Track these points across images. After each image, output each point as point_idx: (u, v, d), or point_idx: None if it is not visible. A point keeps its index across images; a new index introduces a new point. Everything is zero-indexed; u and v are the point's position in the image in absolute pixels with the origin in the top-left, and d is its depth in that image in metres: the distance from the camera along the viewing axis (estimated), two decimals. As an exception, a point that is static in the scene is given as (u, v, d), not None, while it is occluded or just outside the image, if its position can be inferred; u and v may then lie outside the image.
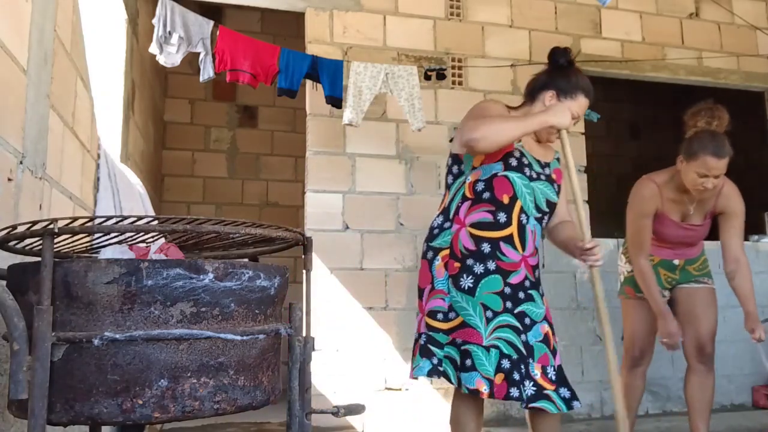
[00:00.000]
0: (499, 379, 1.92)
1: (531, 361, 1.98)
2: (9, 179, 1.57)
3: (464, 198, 2.11)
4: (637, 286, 2.86)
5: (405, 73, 3.59)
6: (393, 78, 3.57)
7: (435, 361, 2.00)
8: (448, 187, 2.21)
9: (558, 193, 2.19)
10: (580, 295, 4.14)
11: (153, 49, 3.19)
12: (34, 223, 1.08)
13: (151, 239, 1.37)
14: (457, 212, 2.10)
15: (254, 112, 5.80)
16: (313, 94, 3.76)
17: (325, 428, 3.45)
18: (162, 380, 1.05)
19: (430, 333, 2.03)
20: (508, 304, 2.00)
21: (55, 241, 1.09)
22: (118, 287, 1.04)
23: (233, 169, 5.67)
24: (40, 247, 1.07)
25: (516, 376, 1.93)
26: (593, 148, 4.96)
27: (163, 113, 5.50)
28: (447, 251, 2.06)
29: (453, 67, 4.13)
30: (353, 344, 3.72)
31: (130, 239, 1.36)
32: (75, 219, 1.08)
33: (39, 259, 1.04)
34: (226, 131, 5.71)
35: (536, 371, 1.98)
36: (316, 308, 3.60)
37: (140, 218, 1.12)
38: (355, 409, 1.29)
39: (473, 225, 2.05)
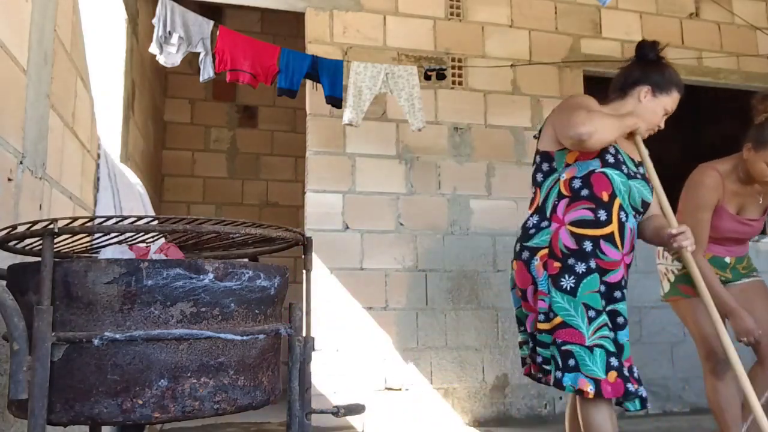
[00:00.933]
0: (612, 377, 1.89)
1: (620, 359, 1.95)
2: (9, 179, 1.57)
3: (561, 196, 2.03)
4: None
5: (405, 73, 3.59)
6: (393, 78, 3.57)
7: (539, 360, 2.00)
8: (538, 185, 2.13)
9: (651, 192, 2.13)
10: (580, 295, 4.13)
11: (153, 49, 3.19)
12: (34, 223, 1.08)
13: (151, 239, 1.37)
14: (554, 210, 2.03)
15: (254, 112, 5.80)
16: (313, 94, 3.76)
17: (325, 428, 3.45)
18: (162, 380, 1.05)
19: (536, 334, 2.01)
20: (603, 303, 1.96)
21: (55, 241, 1.09)
22: (118, 287, 1.04)
23: (233, 169, 5.67)
24: (40, 247, 1.07)
25: (626, 372, 1.92)
26: (593, 148, 4.95)
27: (163, 113, 5.50)
28: (546, 251, 1.99)
29: (453, 67, 4.13)
30: (353, 344, 3.72)
31: (130, 239, 1.36)
32: (75, 219, 1.08)
33: (39, 259, 1.04)
34: (226, 131, 5.71)
35: (624, 369, 1.94)
36: (316, 308, 3.59)
37: (140, 218, 1.12)
38: (355, 409, 1.29)
39: (573, 223, 1.99)
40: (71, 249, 1.42)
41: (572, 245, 1.97)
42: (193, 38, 3.24)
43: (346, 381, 3.66)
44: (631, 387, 1.89)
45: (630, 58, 2.24)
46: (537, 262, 2.00)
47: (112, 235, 1.30)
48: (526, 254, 2.04)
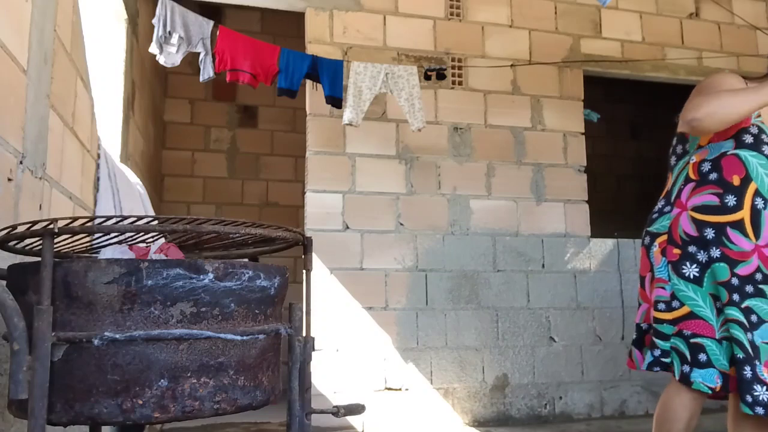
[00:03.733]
0: (733, 371, 1.80)
1: (758, 363, 1.77)
2: (9, 179, 1.57)
3: (687, 180, 1.95)
4: None
5: (405, 73, 3.59)
6: (393, 78, 3.57)
7: (657, 353, 1.89)
8: (671, 169, 2.05)
9: None
10: (580, 295, 4.13)
11: (153, 49, 3.19)
12: (34, 223, 1.08)
13: (151, 239, 1.37)
14: (678, 195, 1.95)
15: (254, 112, 5.80)
16: (313, 94, 3.76)
17: (325, 428, 3.45)
18: (162, 380, 1.05)
19: (655, 325, 1.91)
20: (735, 297, 1.81)
21: (55, 241, 1.09)
22: (118, 287, 1.04)
23: (233, 169, 5.67)
24: (40, 247, 1.07)
25: (748, 374, 1.76)
26: (593, 148, 4.96)
27: (163, 113, 5.50)
28: (665, 236, 1.93)
29: (453, 67, 4.13)
30: (353, 344, 3.72)
31: (130, 239, 1.36)
32: (75, 219, 1.08)
33: (39, 259, 1.04)
34: (226, 131, 5.71)
35: (765, 374, 1.77)
36: (316, 308, 3.60)
37: (140, 218, 1.12)
38: (355, 409, 1.29)
39: (695, 209, 1.89)
40: (71, 249, 1.42)
41: (692, 232, 1.88)
42: (193, 38, 3.24)
43: (346, 381, 3.66)
44: (747, 397, 1.73)
45: None
46: (656, 248, 1.94)
47: (112, 235, 1.30)
48: (647, 240, 2.00)
